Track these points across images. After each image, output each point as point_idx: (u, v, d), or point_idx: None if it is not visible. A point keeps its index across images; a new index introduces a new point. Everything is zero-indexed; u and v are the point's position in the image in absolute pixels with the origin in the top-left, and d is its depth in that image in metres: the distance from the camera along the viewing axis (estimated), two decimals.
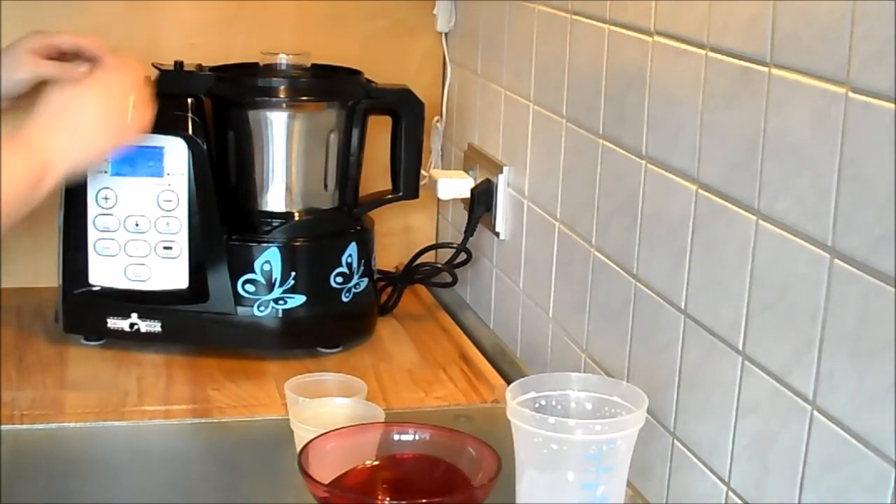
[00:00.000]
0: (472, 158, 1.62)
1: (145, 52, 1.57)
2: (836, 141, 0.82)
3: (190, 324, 1.47)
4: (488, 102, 1.58)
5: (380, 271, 1.62)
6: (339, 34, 1.73)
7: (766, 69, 0.91)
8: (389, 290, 1.65)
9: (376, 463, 1.11)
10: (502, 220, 1.53)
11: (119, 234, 1.45)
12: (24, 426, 1.27)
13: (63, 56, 1.40)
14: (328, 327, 1.51)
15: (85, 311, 1.48)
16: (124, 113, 1.26)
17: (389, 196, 1.58)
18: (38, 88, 1.33)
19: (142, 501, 1.17)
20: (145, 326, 1.46)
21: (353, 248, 1.51)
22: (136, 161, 1.44)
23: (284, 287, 1.46)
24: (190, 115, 1.44)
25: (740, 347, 0.96)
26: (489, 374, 1.45)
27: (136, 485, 1.19)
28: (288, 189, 1.51)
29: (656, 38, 1.09)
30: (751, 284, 0.94)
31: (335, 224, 1.54)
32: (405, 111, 1.55)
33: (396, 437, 1.12)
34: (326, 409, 1.20)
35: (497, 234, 1.54)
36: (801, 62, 0.86)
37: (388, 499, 1.08)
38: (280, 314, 1.47)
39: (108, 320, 1.47)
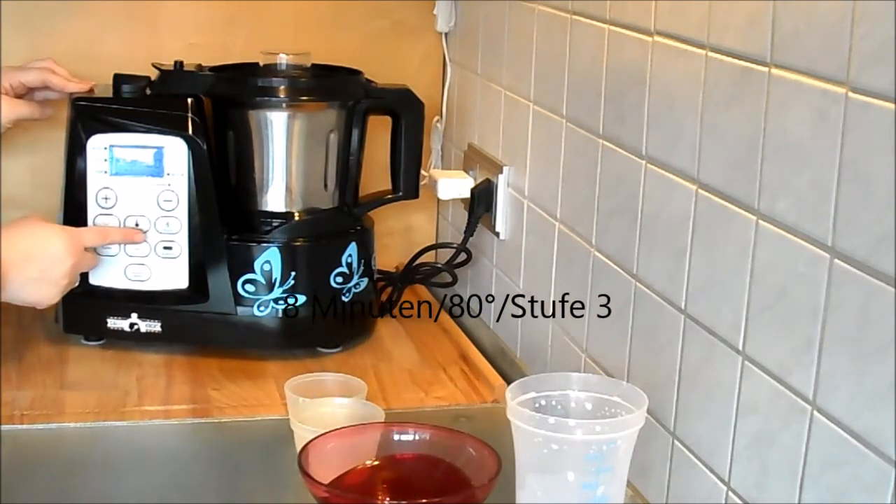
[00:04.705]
0: (472, 158, 1.62)
1: (145, 52, 1.58)
2: (836, 141, 0.82)
3: (190, 324, 1.47)
4: (488, 102, 1.58)
5: (380, 271, 1.62)
6: (339, 34, 1.73)
7: (766, 69, 0.91)
8: (389, 290, 1.65)
9: (376, 463, 1.11)
10: (502, 220, 1.53)
11: None
12: (24, 426, 1.27)
13: (31, 91, 1.51)
14: (328, 327, 1.51)
15: (85, 311, 1.48)
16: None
17: (389, 196, 1.58)
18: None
19: (142, 501, 1.17)
20: (145, 326, 1.46)
21: (353, 248, 1.51)
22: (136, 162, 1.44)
23: (284, 287, 1.46)
24: (190, 115, 1.44)
25: (740, 347, 0.96)
26: (489, 374, 1.45)
27: (136, 485, 1.19)
28: (288, 189, 1.51)
29: (656, 38, 1.09)
30: (751, 284, 0.94)
31: (335, 224, 1.54)
32: (405, 111, 1.54)
33: (396, 437, 1.12)
34: (326, 409, 1.20)
35: (497, 234, 1.54)
36: (801, 62, 0.86)
37: (388, 499, 1.08)
38: (280, 314, 1.47)
39: (108, 320, 1.47)
